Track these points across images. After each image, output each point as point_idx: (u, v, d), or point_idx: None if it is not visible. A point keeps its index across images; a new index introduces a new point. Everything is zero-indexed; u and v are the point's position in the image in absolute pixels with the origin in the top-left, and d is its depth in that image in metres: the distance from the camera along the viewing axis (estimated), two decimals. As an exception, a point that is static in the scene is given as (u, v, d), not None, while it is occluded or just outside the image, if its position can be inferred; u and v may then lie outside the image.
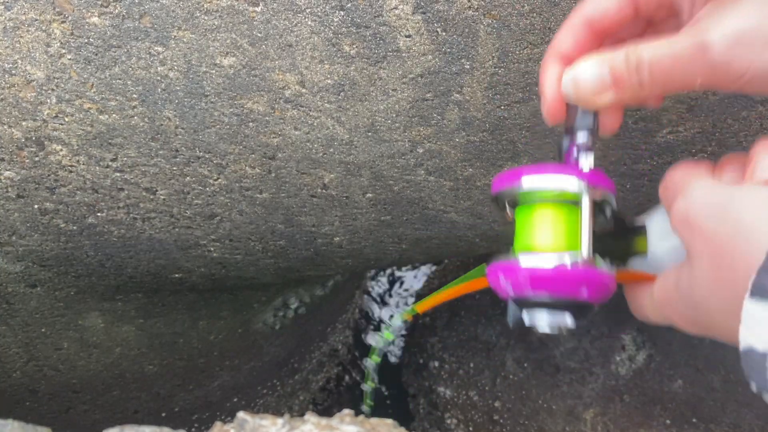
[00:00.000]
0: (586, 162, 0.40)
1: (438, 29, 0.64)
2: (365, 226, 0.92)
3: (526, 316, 0.40)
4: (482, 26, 0.63)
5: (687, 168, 0.36)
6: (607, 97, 0.36)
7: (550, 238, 0.40)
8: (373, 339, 0.65)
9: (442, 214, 0.90)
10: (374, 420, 0.54)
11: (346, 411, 0.55)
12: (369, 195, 0.85)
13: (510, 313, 0.41)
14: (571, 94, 0.38)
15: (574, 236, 0.39)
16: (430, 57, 0.66)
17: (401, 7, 0.63)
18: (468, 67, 0.67)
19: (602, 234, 0.41)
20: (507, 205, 0.44)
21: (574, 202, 0.39)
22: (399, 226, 0.93)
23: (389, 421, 0.54)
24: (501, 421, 1.60)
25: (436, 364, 1.87)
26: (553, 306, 0.39)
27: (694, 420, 1.26)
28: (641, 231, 0.42)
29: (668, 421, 1.29)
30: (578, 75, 0.37)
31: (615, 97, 0.36)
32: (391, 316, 0.62)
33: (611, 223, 0.43)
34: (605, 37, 0.40)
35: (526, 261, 0.39)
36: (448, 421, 1.74)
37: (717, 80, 0.32)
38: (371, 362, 0.69)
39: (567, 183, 0.38)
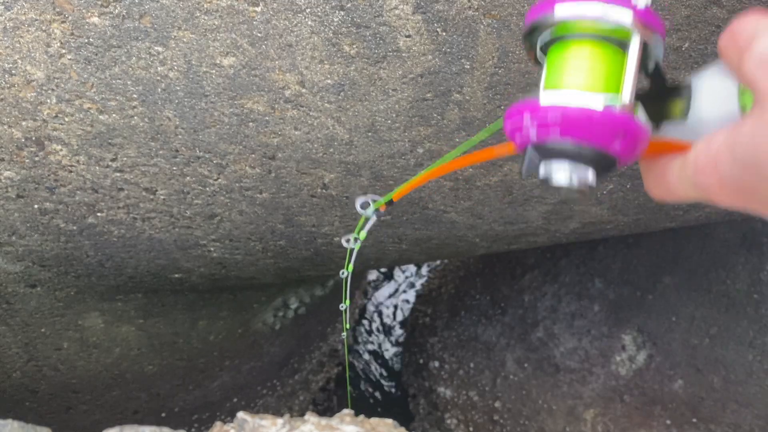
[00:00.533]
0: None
1: (438, 29, 0.64)
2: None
3: (543, 167, 0.34)
4: (482, 26, 0.63)
5: (761, 13, 0.32)
6: None
7: (587, 77, 0.34)
8: (344, 240, 0.62)
9: (442, 214, 0.90)
10: (374, 420, 0.54)
11: (346, 411, 0.55)
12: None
13: (525, 162, 0.35)
14: None
15: (615, 79, 0.34)
16: (430, 57, 0.66)
17: (401, 7, 0.63)
18: (468, 67, 0.67)
19: (637, 89, 0.36)
20: (538, 48, 0.37)
21: (618, 42, 0.34)
22: (399, 226, 0.93)
23: (389, 421, 0.54)
24: (501, 421, 1.60)
25: (436, 364, 1.87)
26: (576, 157, 0.33)
27: (694, 420, 1.26)
28: (683, 92, 0.36)
29: (668, 421, 1.29)
30: None
31: None
32: (366, 204, 0.56)
33: (649, 78, 0.37)
34: None
35: (557, 98, 0.33)
36: (448, 421, 1.74)
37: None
38: (346, 273, 0.67)
39: (617, 14, 0.33)
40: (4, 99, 0.73)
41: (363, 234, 0.60)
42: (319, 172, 0.80)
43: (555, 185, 0.34)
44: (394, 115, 0.72)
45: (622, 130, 0.32)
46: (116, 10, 0.66)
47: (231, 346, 1.43)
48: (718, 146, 0.32)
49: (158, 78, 0.70)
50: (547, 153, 0.34)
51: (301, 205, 0.86)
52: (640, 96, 0.36)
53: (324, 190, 0.83)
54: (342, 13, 0.64)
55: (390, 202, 0.53)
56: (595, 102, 0.33)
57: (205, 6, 0.65)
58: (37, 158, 0.78)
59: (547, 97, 0.34)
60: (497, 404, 1.63)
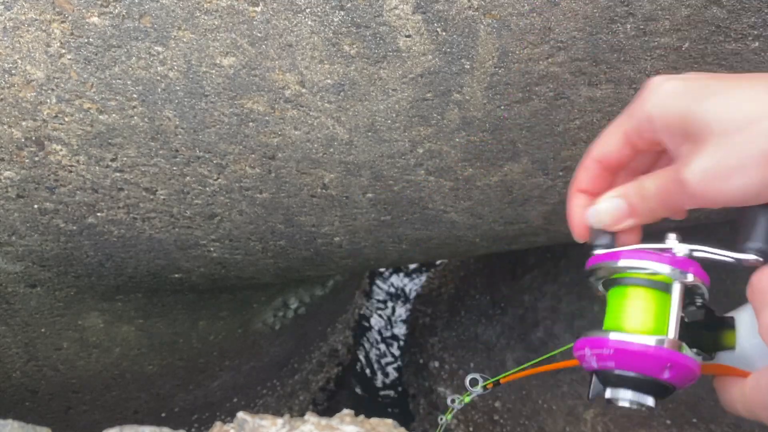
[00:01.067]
0: (682, 249, 0.42)
1: (438, 29, 0.64)
2: (365, 226, 0.91)
3: (609, 392, 0.41)
4: (482, 26, 0.63)
5: None
6: (627, 223, 0.43)
7: (639, 319, 0.41)
8: (449, 399, 0.71)
9: (442, 214, 0.90)
10: (374, 420, 0.54)
11: (346, 411, 0.55)
12: (369, 195, 0.85)
13: (592, 387, 0.42)
14: (596, 225, 0.44)
15: (663, 320, 0.41)
16: (430, 57, 0.66)
17: (401, 7, 0.63)
18: (468, 67, 0.67)
19: (692, 324, 0.43)
20: (601, 284, 0.46)
21: (665, 287, 0.41)
22: (399, 226, 0.93)
23: (389, 421, 0.54)
24: (501, 421, 1.60)
25: (436, 364, 1.87)
26: (634, 385, 0.40)
27: (694, 420, 1.26)
28: (731, 325, 0.43)
29: (668, 421, 1.29)
30: (599, 211, 0.44)
31: (635, 223, 0.43)
32: (475, 381, 0.67)
33: (701, 314, 0.44)
34: (616, 171, 0.46)
35: (613, 337, 0.40)
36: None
37: (702, 204, 0.38)
38: (446, 419, 0.77)
39: (659, 266, 0.40)
40: (4, 99, 0.73)
41: (467, 400, 0.70)
42: (319, 172, 0.80)
43: (621, 407, 0.41)
44: (394, 115, 0.72)
45: (669, 363, 0.39)
46: (116, 10, 0.66)
47: (231, 346, 1.43)
48: (763, 387, 0.37)
49: (158, 78, 0.70)
50: (610, 381, 0.41)
51: (301, 205, 0.86)
52: (698, 326, 0.44)
53: (324, 190, 0.83)
54: (342, 13, 0.64)
55: (497, 383, 0.65)
56: (645, 341, 0.39)
57: (205, 6, 0.65)
58: (37, 158, 0.78)
59: (607, 335, 0.41)
60: (497, 404, 1.63)
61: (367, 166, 0.79)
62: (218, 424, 0.52)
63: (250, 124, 0.74)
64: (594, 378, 0.42)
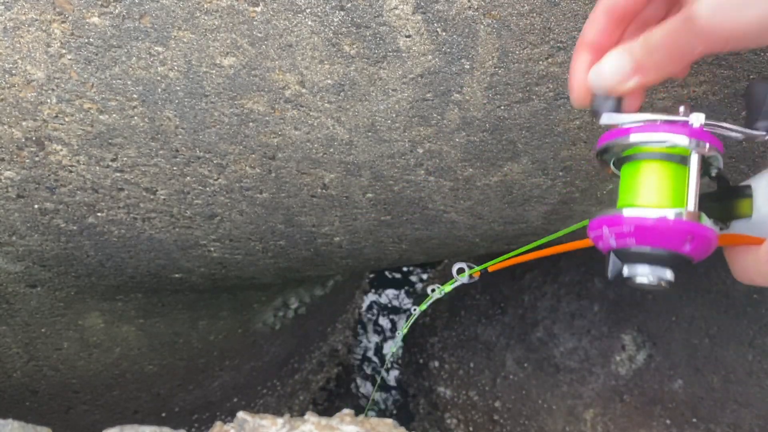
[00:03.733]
0: (697, 119, 0.40)
1: (438, 29, 0.64)
2: (365, 226, 0.92)
3: (627, 269, 0.40)
4: (482, 26, 0.63)
5: None
6: (632, 82, 0.40)
7: (656, 193, 0.40)
8: (430, 288, 0.69)
9: (442, 214, 0.90)
10: (374, 420, 0.54)
11: (346, 411, 0.55)
12: (369, 195, 0.85)
13: (610, 266, 0.41)
14: (598, 87, 0.42)
15: (680, 192, 0.39)
16: (430, 57, 0.66)
17: (401, 7, 0.63)
18: (468, 67, 0.67)
19: (706, 194, 0.42)
20: (612, 163, 0.44)
21: (681, 159, 0.40)
22: (399, 226, 0.93)
23: (389, 421, 0.54)
24: (501, 421, 1.60)
25: (436, 364, 1.87)
26: (654, 260, 0.39)
27: (694, 420, 1.26)
28: (746, 193, 0.41)
29: (668, 421, 1.29)
30: (602, 69, 0.41)
31: (640, 81, 0.40)
32: (462, 270, 0.64)
33: (715, 184, 0.43)
34: (627, 22, 0.43)
35: (631, 213, 0.39)
36: (448, 421, 1.74)
37: (713, 45, 0.35)
38: (418, 309, 0.73)
39: (676, 138, 0.39)
40: (5, 99, 0.73)
41: (448, 289, 0.68)
42: (319, 172, 0.80)
43: (638, 284, 0.40)
44: (394, 115, 0.72)
45: (690, 235, 0.38)
46: (116, 10, 0.66)
47: (231, 345, 1.43)
48: None
49: (158, 78, 0.71)
50: (628, 257, 0.40)
51: (301, 205, 0.86)
52: (711, 197, 0.43)
53: (324, 190, 0.83)
54: (342, 13, 0.64)
55: (485, 271, 0.63)
56: (665, 214, 0.38)
57: (205, 6, 0.65)
58: (37, 158, 0.78)
59: (624, 212, 0.39)
60: (497, 404, 1.63)
61: (367, 166, 0.79)
62: (218, 423, 0.52)
63: (251, 124, 0.74)
64: (612, 257, 0.41)
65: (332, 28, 0.65)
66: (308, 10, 0.64)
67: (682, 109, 0.41)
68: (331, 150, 0.77)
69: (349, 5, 0.63)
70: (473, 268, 0.65)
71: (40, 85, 0.72)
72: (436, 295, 0.68)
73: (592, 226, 0.42)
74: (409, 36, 0.65)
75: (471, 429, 1.67)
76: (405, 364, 2.04)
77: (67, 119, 0.74)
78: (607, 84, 0.41)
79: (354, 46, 0.66)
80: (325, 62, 0.68)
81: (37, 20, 0.67)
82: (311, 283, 1.59)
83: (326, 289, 1.68)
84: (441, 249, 1.04)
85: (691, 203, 0.39)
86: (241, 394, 1.59)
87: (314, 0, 0.64)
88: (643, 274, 0.39)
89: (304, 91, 0.71)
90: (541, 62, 0.66)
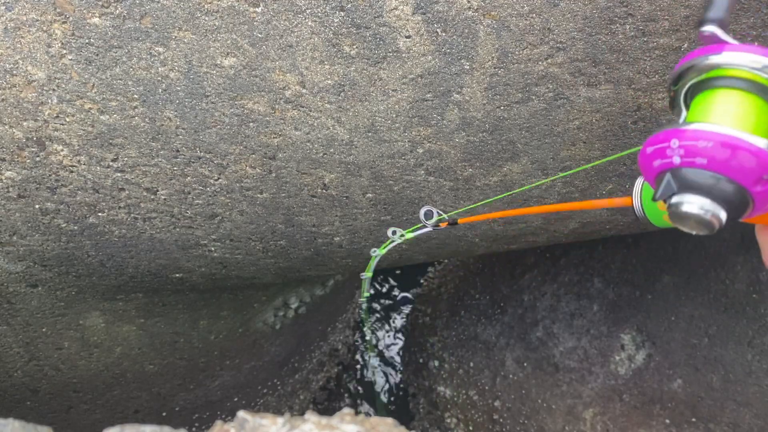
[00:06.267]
0: None
1: (438, 30, 0.64)
2: (365, 226, 0.92)
3: (679, 195, 0.35)
4: (482, 27, 0.63)
5: None
6: None
7: (739, 118, 0.34)
8: (390, 231, 0.66)
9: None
10: (374, 419, 0.54)
11: (346, 410, 0.55)
12: (369, 195, 0.85)
13: (663, 186, 0.36)
14: None
15: (764, 125, 0.35)
16: (430, 57, 0.66)
17: (401, 7, 0.63)
18: (468, 67, 0.67)
19: None
20: (682, 91, 0.38)
21: (763, 91, 0.35)
22: (399, 226, 0.93)
23: (389, 420, 0.54)
24: (501, 420, 1.61)
25: (436, 363, 1.87)
26: (714, 192, 0.34)
27: (693, 419, 1.26)
28: None
29: (668, 421, 1.30)
30: None
31: None
32: (429, 214, 0.60)
33: None
34: None
35: (713, 129, 0.33)
36: (448, 421, 1.75)
37: None
38: (378, 252, 0.71)
39: None
40: (6, 99, 0.73)
41: (410, 236, 0.63)
42: (320, 172, 0.81)
43: (684, 212, 0.34)
44: (394, 116, 0.73)
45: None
46: (117, 11, 0.66)
47: (231, 345, 1.44)
48: None
49: (159, 78, 0.71)
50: (685, 185, 0.34)
51: (301, 205, 0.86)
52: None
53: (324, 190, 0.84)
54: (342, 13, 0.64)
55: (453, 222, 0.55)
56: (756, 142, 0.32)
57: (206, 7, 0.65)
58: (38, 158, 0.78)
59: (704, 125, 0.33)
60: (497, 403, 1.63)
61: (367, 166, 0.79)
62: (219, 423, 0.52)
63: (251, 124, 0.74)
64: (668, 176, 0.35)
65: (332, 28, 0.65)
66: (308, 11, 0.64)
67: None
68: (332, 150, 0.77)
69: (349, 6, 0.63)
70: (441, 215, 0.60)
71: (40, 85, 0.72)
72: (397, 240, 0.65)
73: (654, 140, 0.36)
74: (409, 36, 0.65)
75: (471, 428, 1.67)
76: (405, 363, 2.04)
77: (67, 119, 0.75)
78: None
79: (354, 47, 0.66)
80: (326, 63, 0.68)
81: (38, 21, 0.67)
82: (311, 282, 1.60)
83: (326, 289, 1.68)
84: (441, 249, 1.04)
85: None
86: (242, 394, 1.59)
87: (314, 1, 0.64)
88: (695, 203, 0.34)
89: (304, 91, 0.71)
90: (540, 63, 0.66)
